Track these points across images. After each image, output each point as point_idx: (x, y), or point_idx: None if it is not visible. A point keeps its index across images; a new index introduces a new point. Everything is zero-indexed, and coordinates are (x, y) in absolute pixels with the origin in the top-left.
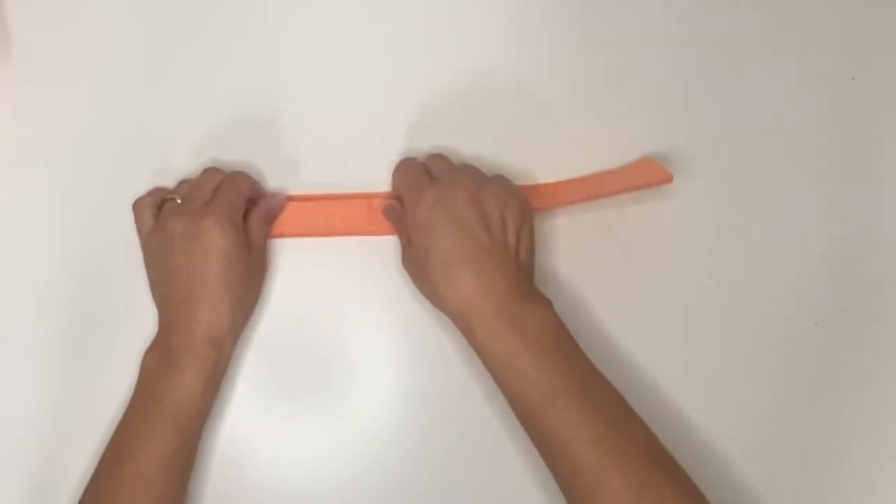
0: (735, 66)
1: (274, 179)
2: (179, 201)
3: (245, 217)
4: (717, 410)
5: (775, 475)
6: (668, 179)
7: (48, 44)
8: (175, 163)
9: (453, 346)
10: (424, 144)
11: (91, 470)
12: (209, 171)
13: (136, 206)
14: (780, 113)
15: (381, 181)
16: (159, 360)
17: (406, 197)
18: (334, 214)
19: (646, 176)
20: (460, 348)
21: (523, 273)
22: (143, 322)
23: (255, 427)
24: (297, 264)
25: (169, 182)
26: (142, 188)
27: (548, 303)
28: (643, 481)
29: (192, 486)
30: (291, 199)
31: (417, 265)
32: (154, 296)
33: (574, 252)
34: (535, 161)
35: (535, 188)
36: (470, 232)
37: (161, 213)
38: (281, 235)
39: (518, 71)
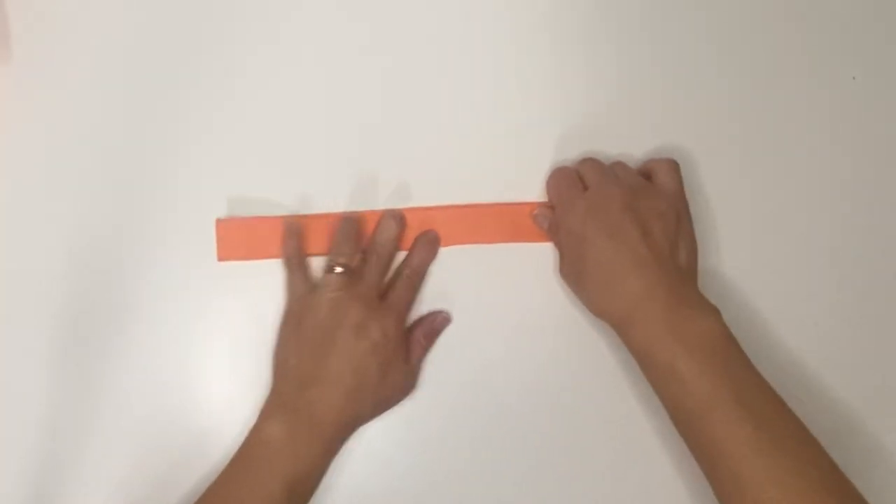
0: (735, 67)
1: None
2: (340, 271)
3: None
4: None
5: None
6: None
7: (48, 44)
8: (176, 163)
9: (462, 350)
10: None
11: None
12: (382, 255)
13: (290, 265)
14: (781, 113)
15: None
16: (287, 432)
17: (557, 207)
18: (496, 222)
19: None
20: (470, 349)
21: (684, 278)
22: (143, 322)
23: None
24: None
25: (177, 187)
26: (141, 190)
27: (713, 309)
28: (804, 498)
29: (192, 491)
30: (444, 209)
31: (574, 274)
32: (287, 359)
33: None
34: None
35: None
36: (626, 241)
37: (330, 286)
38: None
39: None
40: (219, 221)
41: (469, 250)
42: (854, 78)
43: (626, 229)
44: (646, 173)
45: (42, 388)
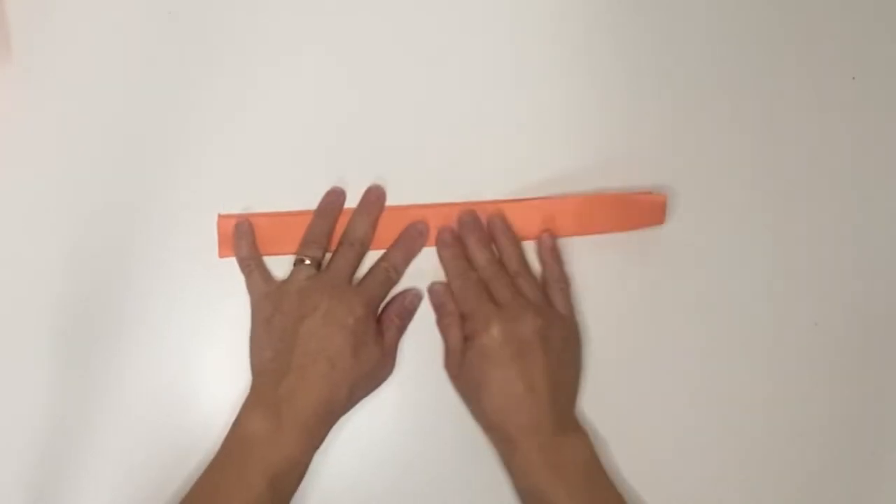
0: (735, 67)
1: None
2: (308, 262)
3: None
4: (716, 409)
5: (774, 473)
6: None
7: (48, 44)
8: (177, 160)
9: None
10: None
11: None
12: (354, 245)
13: (247, 266)
14: (780, 113)
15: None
16: (267, 424)
17: (470, 320)
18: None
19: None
20: None
21: (569, 405)
22: (144, 319)
23: None
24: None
25: (175, 187)
26: (142, 188)
27: (584, 434)
28: None
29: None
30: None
31: (469, 382)
32: (261, 355)
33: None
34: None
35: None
36: (531, 373)
37: (297, 277)
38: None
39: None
40: (220, 217)
41: None
42: (854, 78)
43: (535, 360)
44: (542, 285)
45: (42, 386)
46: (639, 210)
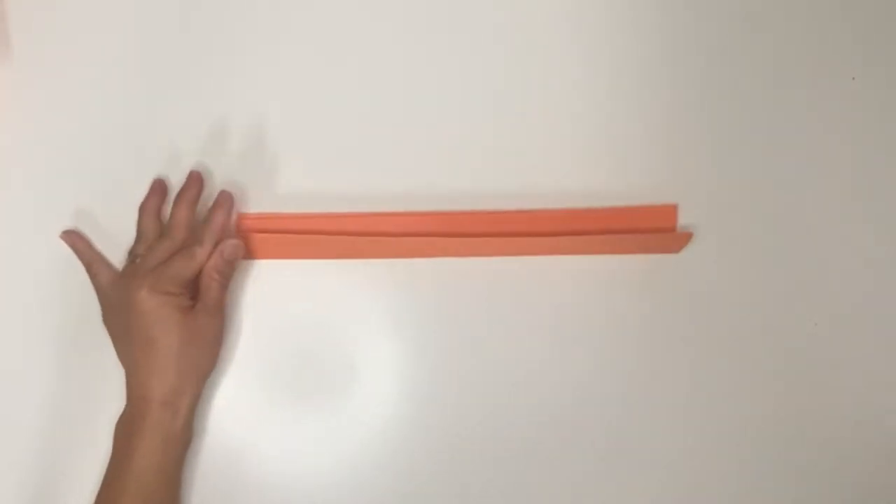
0: (734, 66)
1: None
2: (138, 261)
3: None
4: (716, 410)
5: (775, 473)
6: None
7: (48, 44)
8: (175, 161)
9: (452, 351)
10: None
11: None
12: (170, 237)
13: (90, 266)
14: (780, 113)
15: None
16: (125, 425)
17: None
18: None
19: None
20: (460, 352)
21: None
22: None
23: (255, 428)
24: (297, 274)
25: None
26: (140, 186)
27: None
28: None
29: (194, 487)
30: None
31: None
32: (123, 363)
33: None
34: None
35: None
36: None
37: (125, 276)
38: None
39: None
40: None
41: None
42: (854, 78)
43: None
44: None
45: (44, 385)
46: (649, 220)
